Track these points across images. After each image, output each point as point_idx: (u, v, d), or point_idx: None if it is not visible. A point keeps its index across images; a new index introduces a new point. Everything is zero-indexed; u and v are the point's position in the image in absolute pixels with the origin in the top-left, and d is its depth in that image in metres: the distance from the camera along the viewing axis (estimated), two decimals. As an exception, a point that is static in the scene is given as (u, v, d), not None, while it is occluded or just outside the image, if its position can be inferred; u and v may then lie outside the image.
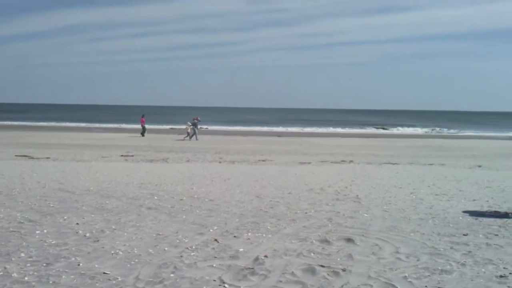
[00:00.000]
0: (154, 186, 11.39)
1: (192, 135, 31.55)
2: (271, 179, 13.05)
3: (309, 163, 18.18)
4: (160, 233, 6.86)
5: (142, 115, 37.10)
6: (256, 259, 5.66)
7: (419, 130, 59.35)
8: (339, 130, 56.16)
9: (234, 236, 6.76)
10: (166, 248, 6.08)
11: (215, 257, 5.74)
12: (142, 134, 35.07)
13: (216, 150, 23.94)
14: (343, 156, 21.38)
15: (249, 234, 6.90)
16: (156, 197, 9.83)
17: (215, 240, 6.49)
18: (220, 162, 17.96)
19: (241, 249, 6.07)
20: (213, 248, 6.10)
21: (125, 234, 6.82)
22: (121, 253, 5.87)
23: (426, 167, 17.07)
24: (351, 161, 18.91)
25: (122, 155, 20.10)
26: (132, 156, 19.95)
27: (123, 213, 8.22)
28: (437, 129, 61.18)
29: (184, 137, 31.41)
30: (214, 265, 5.41)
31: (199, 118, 32.65)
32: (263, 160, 19.06)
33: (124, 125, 55.82)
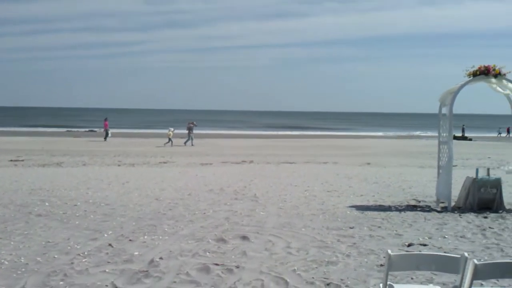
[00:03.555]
0: (45, 192, 10.83)
1: (188, 140, 29.75)
2: (171, 181, 12.98)
3: (211, 164, 18.32)
4: (50, 241, 6.57)
5: (105, 118, 35.18)
6: (151, 261, 5.64)
7: (315, 132, 61.94)
8: (242, 132, 56.92)
9: (130, 240, 6.66)
10: (56, 256, 5.85)
11: (108, 262, 5.63)
12: (105, 138, 33.25)
13: (115, 152, 23.24)
14: (244, 156, 21.79)
15: (146, 237, 6.85)
16: (47, 203, 9.37)
17: (109, 245, 6.36)
18: (119, 165, 17.49)
19: (136, 253, 6.01)
20: (107, 253, 5.98)
21: (12, 243, 6.45)
22: (6, 263, 5.56)
23: (321, 166, 17.95)
24: (251, 162, 19.35)
25: (11, 160, 18.83)
26: (23, 160, 18.76)
27: (10, 221, 7.75)
28: (343, 132, 64.02)
29: (165, 143, 29.37)
30: (107, 270, 5.31)
31: (195, 123, 31.09)
32: (164, 162, 18.87)
33: (17, 129, 52.30)
